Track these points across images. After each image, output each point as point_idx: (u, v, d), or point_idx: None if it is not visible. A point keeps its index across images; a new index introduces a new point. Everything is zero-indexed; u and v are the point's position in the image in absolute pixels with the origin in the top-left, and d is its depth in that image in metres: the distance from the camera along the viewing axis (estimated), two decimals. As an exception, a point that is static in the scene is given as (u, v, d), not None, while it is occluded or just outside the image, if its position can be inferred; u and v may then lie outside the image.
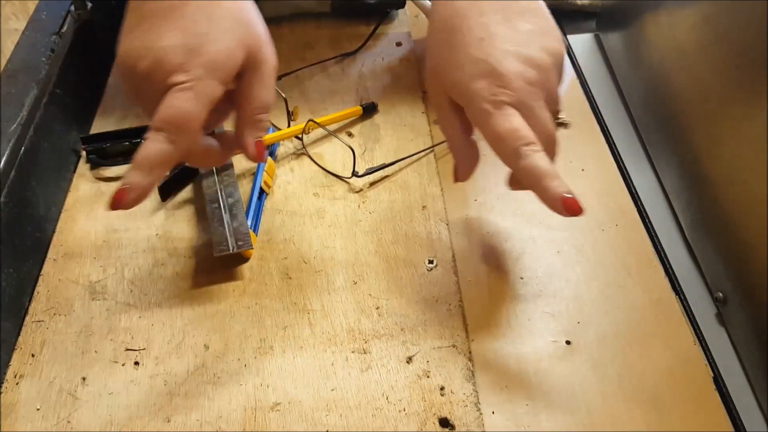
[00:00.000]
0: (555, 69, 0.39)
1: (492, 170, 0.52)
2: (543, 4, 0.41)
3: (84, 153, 0.53)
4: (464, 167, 0.42)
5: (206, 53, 0.36)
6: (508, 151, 0.37)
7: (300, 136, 0.54)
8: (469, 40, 0.38)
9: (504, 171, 0.52)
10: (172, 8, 0.37)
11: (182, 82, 0.35)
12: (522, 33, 0.38)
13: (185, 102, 0.35)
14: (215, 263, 0.46)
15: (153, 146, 0.35)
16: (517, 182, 0.42)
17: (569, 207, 0.36)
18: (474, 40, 0.38)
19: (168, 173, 0.51)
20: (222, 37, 0.37)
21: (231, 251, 0.45)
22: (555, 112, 0.39)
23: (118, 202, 0.35)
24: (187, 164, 0.50)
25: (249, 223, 0.47)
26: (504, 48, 0.37)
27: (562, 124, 0.40)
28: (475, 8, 0.39)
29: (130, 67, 0.36)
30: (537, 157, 0.36)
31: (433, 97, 0.42)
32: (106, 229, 0.48)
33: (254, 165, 0.52)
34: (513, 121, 0.36)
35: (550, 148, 0.38)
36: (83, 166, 0.53)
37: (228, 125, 0.43)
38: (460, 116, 0.40)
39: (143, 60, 0.36)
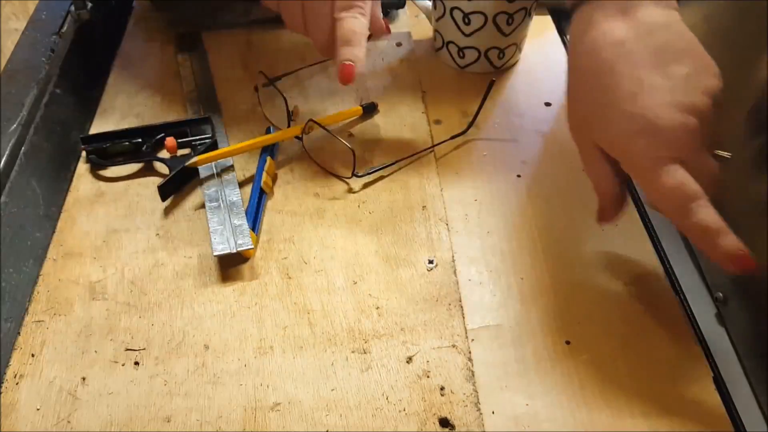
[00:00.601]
0: (714, 108, 0.36)
1: (493, 169, 0.53)
2: (696, 41, 0.38)
3: (84, 153, 0.53)
4: (611, 214, 0.41)
5: None
6: (674, 208, 0.35)
7: (300, 136, 0.54)
8: (621, 95, 0.36)
9: (505, 170, 0.52)
10: None
11: None
12: (678, 79, 0.36)
13: None
14: (215, 263, 0.46)
15: (354, 22, 0.41)
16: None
17: (740, 264, 0.34)
18: (627, 94, 0.36)
19: (169, 173, 0.51)
20: None
21: (231, 251, 0.45)
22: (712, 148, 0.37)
23: (348, 77, 0.41)
24: (186, 165, 0.49)
25: (249, 223, 0.47)
26: (661, 100, 0.35)
27: (722, 158, 0.38)
28: (623, 58, 0.36)
29: None
30: (704, 213, 0.34)
31: (581, 148, 0.40)
32: (106, 229, 0.48)
33: (254, 165, 0.52)
34: (677, 177, 0.34)
35: (713, 189, 0.36)
36: (83, 166, 0.53)
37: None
38: (611, 166, 0.38)
39: None
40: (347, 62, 0.42)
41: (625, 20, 0.37)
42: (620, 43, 0.37)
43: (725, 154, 0.38)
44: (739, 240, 0.34)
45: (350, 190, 0.51)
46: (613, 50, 0.37)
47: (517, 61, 0.62)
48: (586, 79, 0.38)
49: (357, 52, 0.43)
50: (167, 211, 0.50)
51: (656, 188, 0.35)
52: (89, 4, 0.61)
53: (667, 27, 0.37)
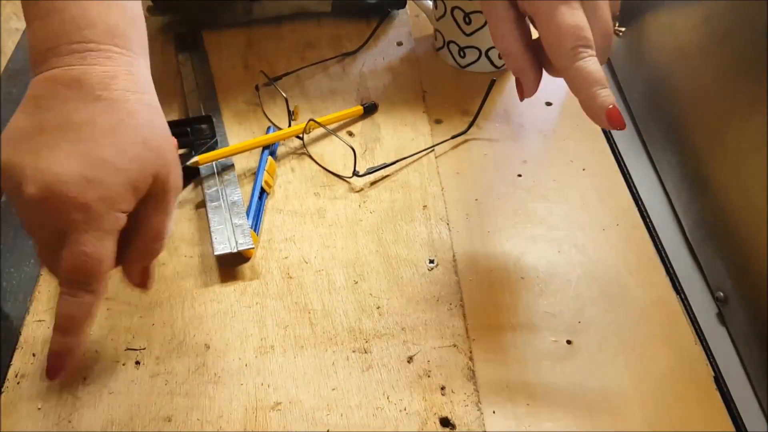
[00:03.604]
0: None
1: (493, 170, 0.53)
2: None
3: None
4: (529, 80, 0.39)
5: (108, 186, 0.32)
6: (565, 48, 0.35)
7: (301, 135, 0.54)
8: None
9: (506, 169, 0.52)
10: (77, 125, 0.32)
11: (85, 221, 0.31)
12: None
13: (95, 245, 0.31)
14: (216, 263, 0.46)
15: (75, 302, 0.32)
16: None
17: (612, 118, 0.34)
18: None
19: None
20: (128, 166, 0.33)
21: (232, 251, 0.45)
22: (615, 15, 0.37)
23: (55, 373, 0.32)
24: (187, 165, 0.49)
25: (250, 222, 0.47)
26: None
27: (617, 33, 0.39)
28: None
29: (16, 185, 0.31)
30: (591, 62, 0.35)
31: (488, 4, 0.39)
32: (106, 229, 0.48)
33: (255, 165, 0.52)
34: (577, 17, 0.34)
35: (604, 51, 0.36)
36: (84, 166, 0.53)
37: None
38: (519, 24, 0.38)
39: (33, 183, 0.31)
40: (57, 352, 0.32)
41: None
42: None
43: (620, 28, 0.39)
44: (613, 97, 0.35)
45: (351, 190, 0.51)
46: None
47: (517, 61, 0.62)
48: None
49: (72, 341, 0.33)
50: (168, 211, 0.50)
51: (553, 23, 0.35)
52: (90, 4, 0.61)
53: None
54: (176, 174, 0.36)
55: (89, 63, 0.34)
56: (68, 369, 0.33)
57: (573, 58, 0.35)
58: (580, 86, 0.35)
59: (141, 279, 0.37)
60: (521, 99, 0.40)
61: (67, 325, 0.32)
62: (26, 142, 0.32)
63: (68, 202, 0.31)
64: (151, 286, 0.38)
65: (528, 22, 0.39)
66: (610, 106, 0.34)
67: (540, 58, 0.39)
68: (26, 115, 0.33)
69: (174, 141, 0.37)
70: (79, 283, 0.32)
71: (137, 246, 0.35)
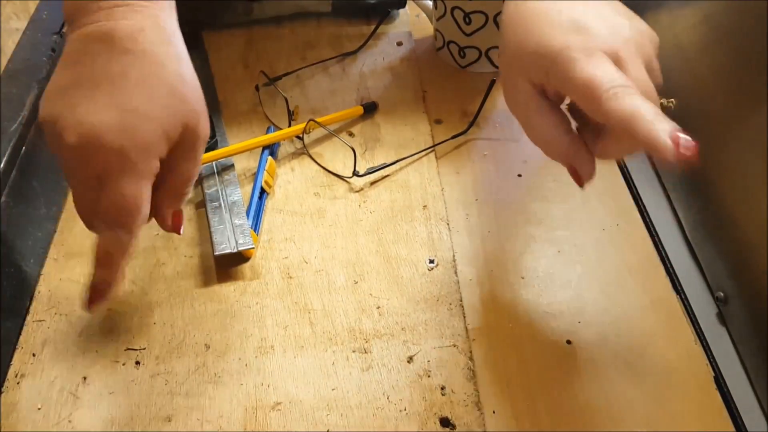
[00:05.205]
0: (649, 42, 0.34)
1: (494, 169, 0.53)
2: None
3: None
4: (582, 166, 0.36)
5: (142, 132, 0.34)
6: (597, 94, 0.31)
7: (301, 135, 0.54)
8: (551, 15, 0.34)
9: (506, 169, 0.52)
10: (110, 78, 0.34)
11: (121, 166, 0.34)
12: (608, 13, 0.34)
13: (132, 187, 0.34)
14: (216, 263, 0.46)
15: (113, 240, 0.35)
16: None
17: (684, 148, 0.28)
18: (555, 14, 0.34)
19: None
20: (159, 114, 0.35)
21: (232, 250, 0.45)
22: (658, 85, 0.33)
23: (93, 303, 0.36)
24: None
25: (250, 222, 0.47)
26: (594, 16, 0.33)
27: (665, 107, 0.33)
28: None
29: (57, 136, 0.34)
30: (634, 97, 0.30)
31: (513, 90, 0.37)
32: (107, 229, 0.48)
33: (255, 165, 0.52)
34: (604, 66, 0.31)
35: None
36: (84, 166, 0.53)
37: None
38: (550, 111, 0.35)
39: (72, 133, 0.33)
40: (98, 285, 0.36)
41: None
42: None
43: (670, 102, 0.35)
44: (674, 124, 0.30)
45: (351, 190, 0.51)
46: None
47: (517, 61, 0.62)
48: (518, 18, 0.36)
49: (109, 276, 0.35)
50: (168, 211, 0.50)
51: (580, 76, 0.31)
52: (90, 4, 0.61)
53: None
54: (204, 123, 0.38)
55: (117, 18, 0.36)
56: (105, 300, 0.36)
57: (607, 101, 0.30)
58: (629, 127, 0.30)
59: (173, 222, 0.39)
60: (581, 186, 0.36)
61: (105, 261, 0.35)
62: (64, 96, 0.35)
63: (105, 149, 0.33)
64: (182, 229, 0.40)
65: (563, 110, 0.36)
66: (675, 134, 0.29)
67: (586, 144, 0.35)
68: (63, 71, 0.36)
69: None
70: (116, 222, 0.34)
71: (168, 189, 0.38)
